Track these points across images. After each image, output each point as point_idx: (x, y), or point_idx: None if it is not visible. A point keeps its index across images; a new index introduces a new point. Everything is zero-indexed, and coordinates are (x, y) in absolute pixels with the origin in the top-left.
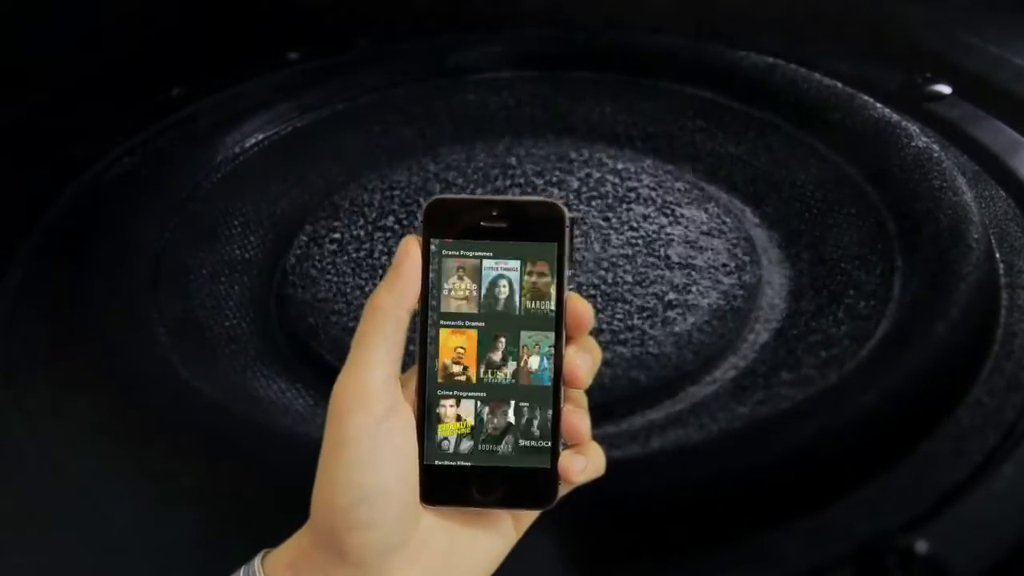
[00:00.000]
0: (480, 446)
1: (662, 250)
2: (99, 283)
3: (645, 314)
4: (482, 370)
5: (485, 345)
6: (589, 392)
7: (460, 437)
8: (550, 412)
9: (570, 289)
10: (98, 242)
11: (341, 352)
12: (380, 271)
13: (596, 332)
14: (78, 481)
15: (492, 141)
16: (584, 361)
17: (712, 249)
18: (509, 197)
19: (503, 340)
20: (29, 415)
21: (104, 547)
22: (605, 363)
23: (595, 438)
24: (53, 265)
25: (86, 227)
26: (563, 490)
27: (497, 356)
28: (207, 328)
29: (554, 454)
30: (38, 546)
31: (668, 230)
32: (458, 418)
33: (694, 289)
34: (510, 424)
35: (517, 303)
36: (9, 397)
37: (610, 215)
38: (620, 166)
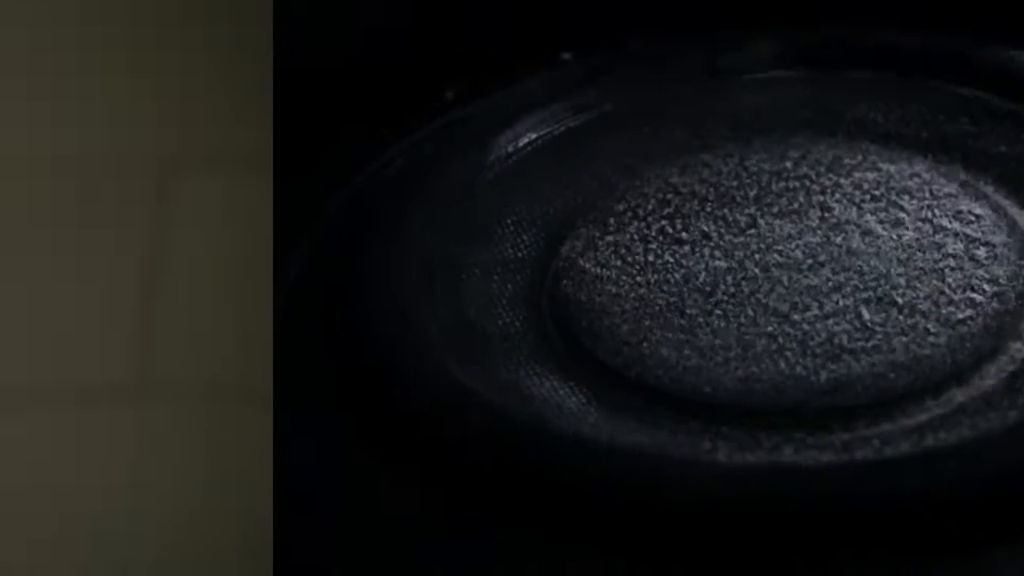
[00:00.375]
0: None
1: (934, 252)
2: (372, 283)
3: (917, 315)
4: None
5: None
6: (865, 391)
7: None
8: None
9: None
10: (371, 242)
11: (614, 352)
12: (655, 274)
13: (869, 334)
14: (351, 479)
15: (766, 143)
16: None
17: (984, 250)
18: None
19: None
20: (302, 415)
21: (378, 542)
22: (880, 363)
23: (868, 436)
24: (327, 265)
25: (359, 227)
26: None
27: None
28: (480, 327)
29: None
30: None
31: (940, 231)
32: None
33: (966, 290)
34: None
35: None
36: (282, 394)
37: (883, 216)
38: (892, 167)
